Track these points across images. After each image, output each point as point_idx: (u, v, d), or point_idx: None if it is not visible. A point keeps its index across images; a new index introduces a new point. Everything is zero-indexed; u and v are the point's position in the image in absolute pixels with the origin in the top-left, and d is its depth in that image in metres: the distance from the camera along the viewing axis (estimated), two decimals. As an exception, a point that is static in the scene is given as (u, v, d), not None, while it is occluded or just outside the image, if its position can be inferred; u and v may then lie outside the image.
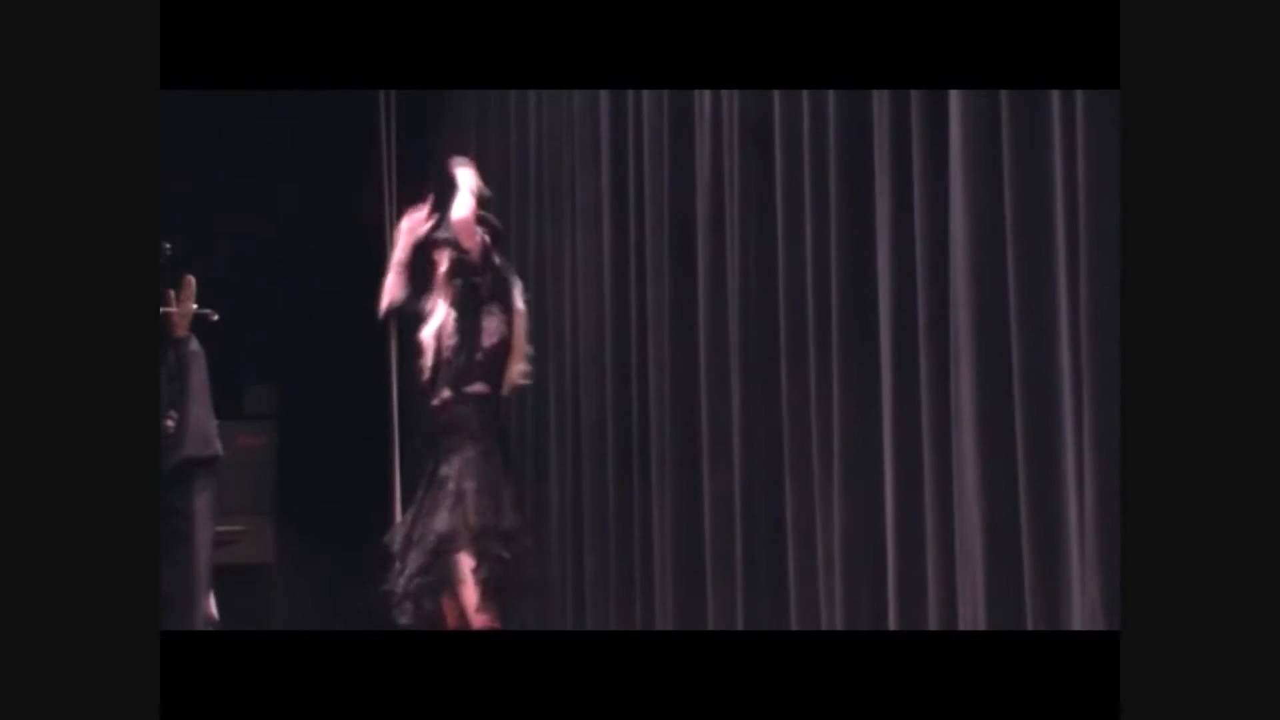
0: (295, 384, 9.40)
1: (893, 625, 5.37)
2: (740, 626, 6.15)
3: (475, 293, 6.19)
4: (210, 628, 6.25)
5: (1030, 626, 4.74)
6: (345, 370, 9.14)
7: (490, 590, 5.95)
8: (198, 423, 6.30)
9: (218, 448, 6.38)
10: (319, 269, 9.01)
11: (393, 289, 6.40)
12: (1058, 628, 4.67)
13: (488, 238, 6.25)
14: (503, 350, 6.20)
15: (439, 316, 6.25)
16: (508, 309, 6.23)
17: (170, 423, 6.22)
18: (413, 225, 6.39)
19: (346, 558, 8.51)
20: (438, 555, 5.96)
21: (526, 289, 6.45)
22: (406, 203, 7.76)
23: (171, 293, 6.34)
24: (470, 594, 5.94)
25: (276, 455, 9.32)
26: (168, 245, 6.13)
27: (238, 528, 7.48)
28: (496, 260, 6.27)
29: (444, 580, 5.97)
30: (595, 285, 7.42)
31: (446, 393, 6.14)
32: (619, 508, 7.19)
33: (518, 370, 6.25)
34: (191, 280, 6.39)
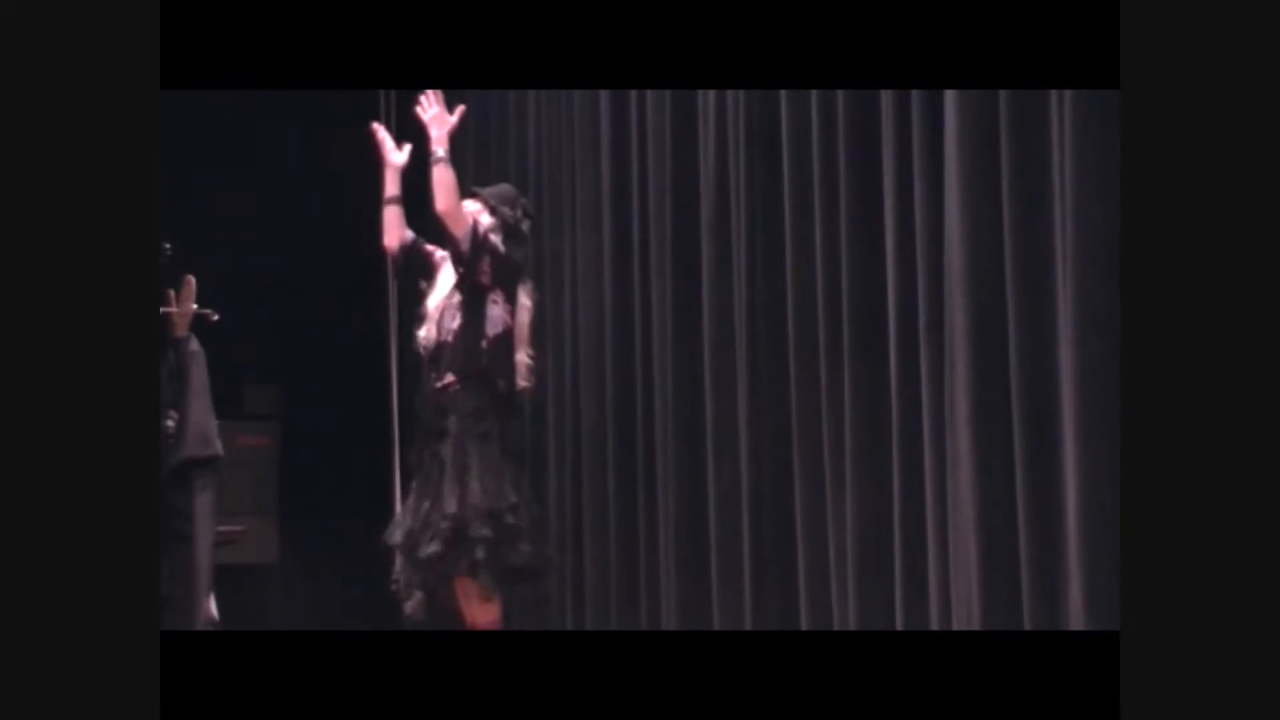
0: (295, 384, 9.39)
1: (898, 625, 5.36)
2: (748, 626, 6.13)
3: (476, 281, 5.98)
4: (210, 628, 6.24)
5: (1029, 626, 4.74)
6: (345, 370, 9.14)
7: (496, 575, 5.87)
8: (198, 423, 6.30)
9: (218, 448, 6.37)
10: (319, 269, 9.00)
11: (392, 226, 6.22)
12: (1057, 628, 4.67)
13: (484, 219, 6.03)
14: (507, 340, 6.03)
15: (443, 286, 6.09)
16: (512, 299, 6.05)
17: (170, 423, 6.22)
18: (394, 158, 6.26)
19: (346, 558, 8.51)
20: (453, 539, 5.81)
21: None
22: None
23: (171, 293, 6.34)
24: (480, 581, 5.87)
25: (277, 455, 9.31)
26: (168, 245, 6.12)
27: (238, 528, 7.47)
28: (499, 246, 6.03)
29: (459, 566, 5.83)
30: (596, 284, 7.41)
31: (448, 376, 5.97)
32: (621, 507, 7.17)
33: (519, 367, 6.07)
34: (191, 280, 6.39)
